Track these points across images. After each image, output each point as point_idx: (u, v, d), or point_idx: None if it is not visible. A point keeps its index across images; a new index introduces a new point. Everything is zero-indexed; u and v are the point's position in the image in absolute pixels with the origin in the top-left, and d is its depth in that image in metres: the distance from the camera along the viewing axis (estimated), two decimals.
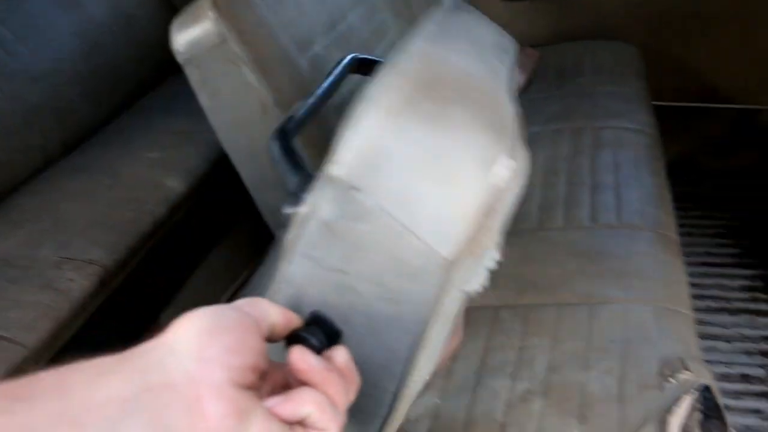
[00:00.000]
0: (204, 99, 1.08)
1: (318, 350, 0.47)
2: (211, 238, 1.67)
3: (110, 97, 1.93)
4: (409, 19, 1.61)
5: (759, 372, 1.50)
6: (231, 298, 1.67)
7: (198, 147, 1.63)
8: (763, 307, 1.68)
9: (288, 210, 0.57)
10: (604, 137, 1.43)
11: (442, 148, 0.56)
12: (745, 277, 1.78)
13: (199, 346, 0.39)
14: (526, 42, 1.94)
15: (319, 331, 0.48)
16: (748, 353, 1.55)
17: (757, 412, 1.41)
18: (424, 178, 0.55)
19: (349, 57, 0.93)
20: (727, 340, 1.59)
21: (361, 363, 0.49)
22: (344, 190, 0.55)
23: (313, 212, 0.56)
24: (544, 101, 1.64)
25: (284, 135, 0.66)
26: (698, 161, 2.21)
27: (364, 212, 0.54)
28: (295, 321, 0.47)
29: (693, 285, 1.74)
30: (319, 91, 0.74)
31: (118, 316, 1.33)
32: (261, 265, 0.98)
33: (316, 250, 0.56)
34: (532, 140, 1.38)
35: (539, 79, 1.78)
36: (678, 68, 2.06)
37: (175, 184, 1.49)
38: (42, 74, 1.71)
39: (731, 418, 1.36)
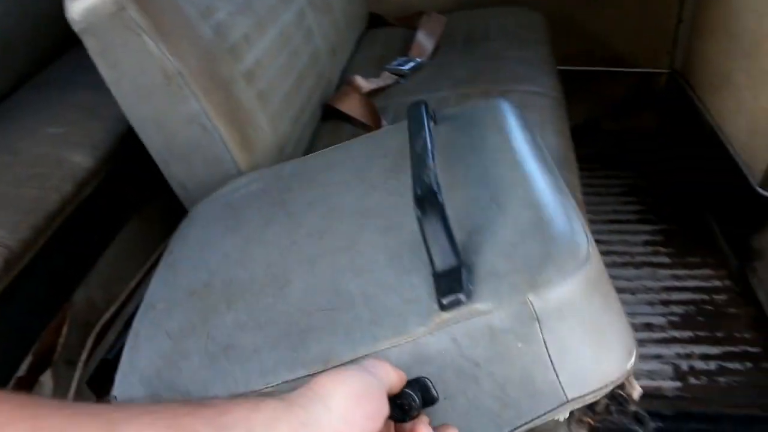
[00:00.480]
0: (104, 70, 1.05)
1: (415, 409, 0.57)
2: (123, 214, 1.62)
3: (1, 72, 1.82)
4: None
5: (660, 320, 1.61)
6: (145, 276, 1.64)
7: (103, 121, 1.57)
8: (663, 260, 1.79)
9: (445, 296, 0.64)
10: (509, 100, 1.48)
11: (609, 326, 0.67)
12: (647, 233, 1.89)
13: (347, 409, 0.47)
14: (432, 8, 1.98)
15: (419, 393, 0.57)
16: (650, 303, 1.66)
17: (658, 357, 1.52)
18: (587, 339, 0.65)
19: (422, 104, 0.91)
20: (632, 292, 1.70)
21: None
22: (529, 317, 0.62)
23: (487, 313, 0.63)
24: (451, 66, 1.68)
25: (436, 202, 0.65)
26: (601, 123, 2.31)
27: (529, 337, 0.62)
28: (404, 380, 0.56)
29: (599, 242, 1.84)
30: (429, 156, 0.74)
31: (26, 297, 1.29)
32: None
33: (466, 339, 0.63)
34: (440, 104, 1.42)
35: (446, 45, 1.82)
36: (581, 34, 2.14)
37: (81, 159, 1.44)
38: None
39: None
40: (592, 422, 0.76)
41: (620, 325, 0.69)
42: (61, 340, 1.39)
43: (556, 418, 0.67)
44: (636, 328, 1.59)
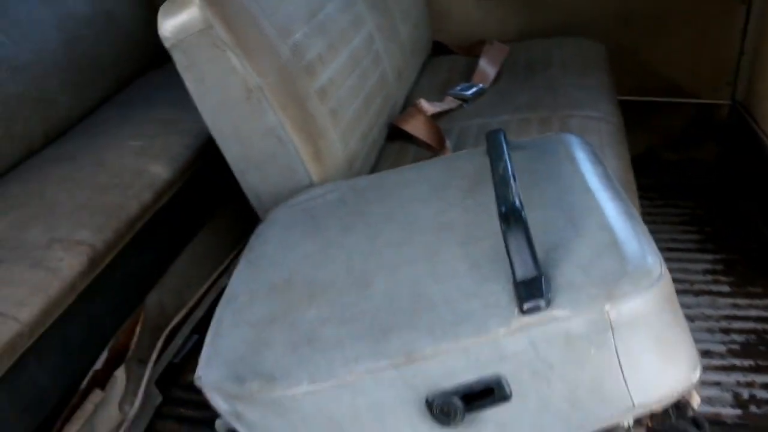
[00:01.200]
0: (190, 84, 1.13)
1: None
2: (195, 223, 1.71)
3: (90, 89, 1.95)
4: (383, 11, 1.68)
5: (720, 348, 1.58)
6: (213, 284, 1.71)
7: (181, 135, 1.67)
8: (723, 288, 1.77)
9: (526, 302, 0.69)
10: (569, 125, 1.51)
11: (676, 340, 0.71)
12: (707, 261, 1.87)
13: None
14: (496, 37, 2.03)
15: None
16: (710, 331, 1.64)
17: (717, 384, 1.50)
18: (656, 350, 0.69)
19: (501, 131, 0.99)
20: (691, 319, 1.68)
21: None
22: (604, 326, 0.67)
23: (565, 319, 0.68)
24: (512, 92, 1.72)
25: (519, 217, 0.72)
26: (661, 154, 2.31)
27: (602, 344, 0.67)
28: None
29: None
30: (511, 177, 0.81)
31: (105, 296, 1.37)
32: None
33: (543, 343, 0.68)
34: (501, 128, 1.46)
35: (508, 72, 1.86)
36: (642, 64, 2.15)
37: (160, 171, 1.54)
38: (24, 65, 1.73)
39: None
40: (650, 425, 0.77)
41: (686, 340, 0.71)
42: (135, 339, 1.46)
43: (621, 423, 0.69)
44: None
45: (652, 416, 0.76)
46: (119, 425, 1.39)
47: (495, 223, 0.83)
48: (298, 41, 1.23)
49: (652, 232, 1.94)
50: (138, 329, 1.48)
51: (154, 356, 1.55)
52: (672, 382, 0.67)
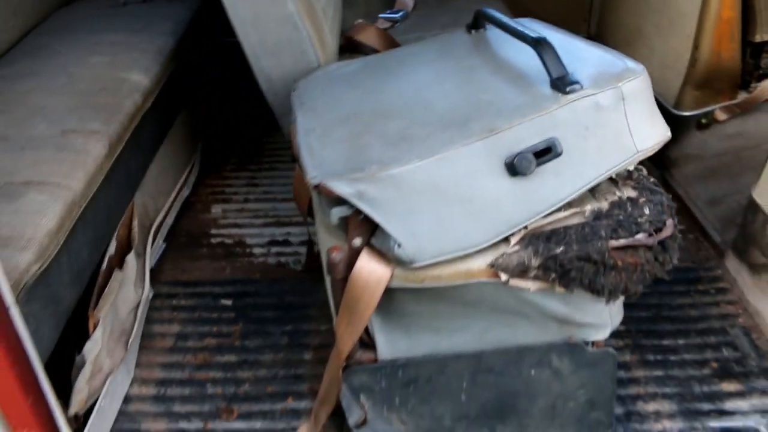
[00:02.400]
0: None
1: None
2: (165, 129, 1.83)
3: (14, 18, 1.95)
4: None
5: None
6: (177, 195, 1.83)
7: (141, 53, 1.78)
8: None
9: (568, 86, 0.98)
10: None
11: (657, 112, 1.06)
12: None
13: None
14: None
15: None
16: None
17: None
18: (647, 114, 1.05)
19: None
20: None
21: None
22: (619, 96, 1.00)
23: (595, 94, 0.99)
24: (433, 15, 2.03)
25: (546, 40, 1.01)
26: None
27: (618, 109, 0.99)
28: None
29: None
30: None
31: (113, 186, 1.47)
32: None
33: (581, 111, 0.98)
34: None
35: (422, 5, 2.17)
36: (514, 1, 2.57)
37: (140, 78, 1.65)
38: None
39: None
40: (633, 182, 1.11)
41: (660, 114, 1.06)
42: (134, 231, 1.57)
43: (628, 168, 1.03)
44: None
45: (633, 179, 1.10)
46: (136, 306, 1.51)
47: (511, 65, 1.14)
48: None
49: None
50: (135, 223, 1.59)
51: (148, 251, 1.66)
52: (657, 136, 1.03)
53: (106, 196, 1.40)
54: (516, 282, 1.00)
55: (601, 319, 1.14)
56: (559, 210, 1.02)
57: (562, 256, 0.98)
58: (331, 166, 1.01)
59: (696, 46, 1.90)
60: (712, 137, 2.06)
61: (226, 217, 2.00)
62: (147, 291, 1.57)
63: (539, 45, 1.03)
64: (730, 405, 1.42)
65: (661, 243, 1.03)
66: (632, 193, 1.06)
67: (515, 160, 0.96)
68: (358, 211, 0.99)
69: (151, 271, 1.76)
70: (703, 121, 2.04)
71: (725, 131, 2.04)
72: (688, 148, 2.09)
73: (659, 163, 2.16)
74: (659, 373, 1.49)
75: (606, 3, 2.52)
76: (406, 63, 1.28)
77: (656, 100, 2.03)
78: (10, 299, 0.90)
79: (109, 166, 1.39)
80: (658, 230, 1.02)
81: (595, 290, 1.01)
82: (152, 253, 1.74)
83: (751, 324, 1.60)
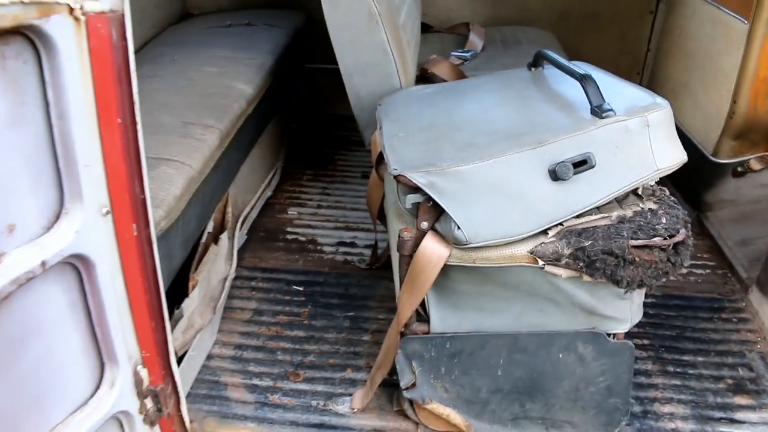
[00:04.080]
0: (327, 9, 1.58)
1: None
2: (259, 133, 2.12)
3: (139, 29, 2.30)
4: None
5: None
6: (262, 193, 2.12)
7: (247, 66, 2.08)
8: None
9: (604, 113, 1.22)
10: None
11: (677, 138, 1.32)
12: None
13: None
14: (471, 21, 2.61)
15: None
16: None
17: None
18: (669, 138, 1.31)
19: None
20: None
21: None
22: (645, 124, 1.23)
23: (625, 120, 1.23)
24: (498, 57, 2.29)
25: (591, 77, 1.27)
26: None
27: (643, 134, 1.23)
28: None
29: None
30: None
31: (218, 173, 1.75)
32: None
33: (613, 133, 1.22)
34: None
35: (489, 45, 2.43)
36: (575, 53, 2.81)
37: (244, 87, 1.94)
38: None
39: None
40: (655, 198, 1.32)
41: (678, 140, 1.28)
42: (228, 216, 1.85)
43: (650, 182, 1.25)
44: None
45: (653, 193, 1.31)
46: (225, 278, 1.78)
47: (562, 96, 1.38)
48: None
49: None
50: (229, 209, 1.87)
51: (236, 236, 1.94)
52: (675, 158, 1.24)
53: (213, 180, 1.68)
54: (550, 268, 1.22)
55: (622, 314, 1.34)
56: (590, 213, 1.24)
57: (589, 248, 1.19)
58: (409, 162, 1.26)
59: (734, 101, 2.10)
60: (746, 185, 2.24)
61: (301, 219, 2.26)
62: (234, 267, 1.83)
63: (584, 80, 1.27)
64: (740, 415, 1.58)
65: (675, 248, 1.23)
66: (653, 206, 1.27)
67: (557, 168, 1.19)
68: (427, 199, 1.23)
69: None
70: (739, 169, 2.22)
71: (760, 180, 2.22)
72: (724, 194, 2.27)
73: (696, 205, 2.34)
74: (677, 382, 1.66)
75: (658, 58, 2.74)
76: (474, 90, 1.53)
77: (695, 146, 2.28)
78: (154, 239, 1.17)
79: (219, 156, 1.67)
80: (673, 236, 1.22)
81: (615, 281, 1.21)
82: (238, 240, 2.01)
83: None
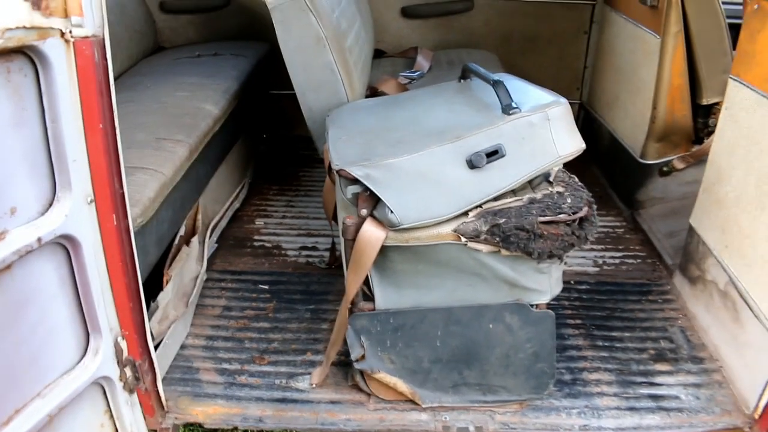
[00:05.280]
0: (280, 32, 1.80)
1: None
2: (227, 150, 2.33)
3: (114, 62, 2.50)
4: (361, 14, 2.44)
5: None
6: (230, 205, 2.32)
7: (214, 91, 2.29)
8: None
9: (511, 110, 1.54)
10: None
11: (575, 128, 2.06)
12: None
13: None
14: (422, 46, 2.86)
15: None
16: None
17: (584, 257, 2.33)
18: (568, 131, 1.69)
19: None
20: None
21: None
22: (546, 118, 1.47)
23: (529, 115, 1.45)
24: (444, 77, 2.51)
25: (501, 82, 1.44)
26: None
27: (545, 126, 1.45)
28: None
29: None
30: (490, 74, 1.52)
31: (188, 182, 1.94)
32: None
33: (519, 127, 1.44)
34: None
35: (436, 67, 2.68)
36: (518, 72, 3.05)
37: (211, 108, 2.15)
38: None
39: (571, 260, 2.27)
40: (563, 183, 1.53)
41: (578, 132, 1.50)
42: (198, 222, 2.04)
43: (552, 170, 1.46)
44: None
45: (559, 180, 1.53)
46: (196, 277, 1.96)
47: (481, 100, 1.60)
48: (337, 16, 1.96)
49: None
50: (199, 217, 2.06)
51: (206, 242, 2.13)
52: (574, 147, 1.46)
53: (184, 188, 1.87)
54: (472, 244, 1.43)
55: (542, 286, 1.54)
56: (506, 196, 1.45)
57: (504, 225, 1.40)
58: (349, 158, 1.47)
59: (654, 107, 2.35)
60: (673, 183, 2.48)
61: (267, 228, 2.46)
62: (204, 269, 2.02)
63: (496, 85, 1.49)
64: (659, 379, 1.78)
65: (580, 223, 1.45)
66: (561, 189, 1.49)
67: (472, 157, 1.40)
68: (365, 189, 1.44)
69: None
70: (665, 169, 2.46)
71: (684, 178, 2.46)
72: (653, 192, 2.51)
73: (630, 204, 2.57)
74: (604, 354, 1.86)
75: (594, 74, 3.01)
76: (409, 100, 1.76)
77: (626, 151, 2.52)
78: (131, 229, 1.36)
79: (188, 166, 1.87)
80: (576, 213, 1.44)
81: (528, 252, 1.42)
82: (207, 247, 2.19)
83: (688, 325, 1.97)
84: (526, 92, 1.58)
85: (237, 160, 2.50)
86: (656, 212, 2.51)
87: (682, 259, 2.10)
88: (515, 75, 3.00)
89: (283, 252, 2.31)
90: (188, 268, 1.92)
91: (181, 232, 1.93)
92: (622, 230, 2.51)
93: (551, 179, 1.53)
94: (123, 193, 1.32)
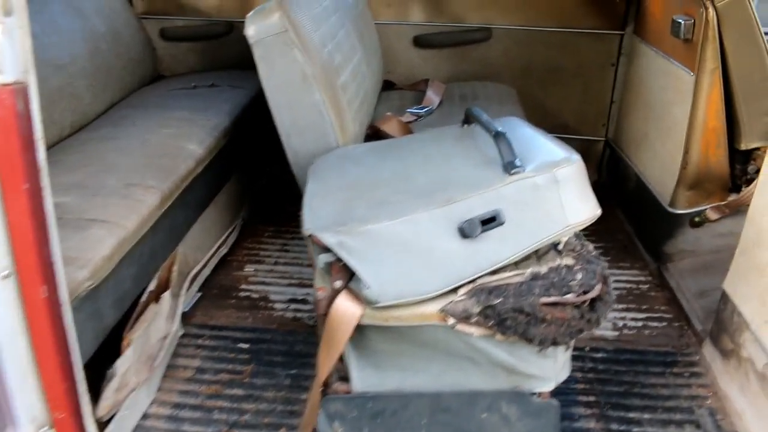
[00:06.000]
0: (262, 69, 1.62)
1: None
2: (212, 194, 2.15)
3: (106, 92, 2.36)
4: (363, 46, 2.26)
5: None
6: (217, 250, 2.13)
7: (201, 128, 2.12)
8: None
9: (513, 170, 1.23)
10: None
11: (588, 192, 1.30)
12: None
13: None
14: (434, 78, 2.66)
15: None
16: None
17: None
18: (579, 195, 1.27)
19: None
20: None
21: None
22: (554, 180, 1.23)
23: (534, 176, 1.23)
24: (453, 113, 2.32)
25: (503, 134, 1.30)
26: None
27: (553, 189, 1.22)
28: None
29: None
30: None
31: (159, 234, 1.76)
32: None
33: (522, 189, 1.23)
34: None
35: (447, 101, 2.47)
36: (539, 106, 2.85)
37: (195, 148, 1.98)
38: (62, 65, 2.13)
39: None
40: (574, 253, 1.30)
41: (592, 195, 1.28)
42: (173, 274, 1.86)
43: (560, 239, 1.24)
44: None
45: (571, 249, 1.30)
46: (164, 337, 1.77)
47: (482, 152, 1.39)
48: (329, 51, 1.77)
49: None
50: (175, 268, 1.88)
51: (183, 294, 1.94)
52: (586, 213, 1.24)
53: (153, 240, 1.69)
54: (462, 326, 1.21)
55: (545, 372, 1.32)
56: (504, 269, 1.24)
57: (499, 306, 1.19)
58: (322, 221, 1.27)
59: (686, 151, 2.11)
60: (705, 235, 2.22)
61: (256, 276, 2.27)
62: (176, 327, 1.83)
63: (497, 137, 1.28)
64: None
65: (592, 303, 1.22)
66: (570, 262, 1.27)
67: (464, 225, 1.19)
68: (339, 258, 1.23)
69: (184, 314, 2.03)
70: (696, 219, 2.21)
71: (718, 230, 2.20)
72: (683, 245, 2.25)
73: (657, 256, 2.32)
74: None
75: (622, 110, 2.77)
76: (403, 148, 1.55)
77: (654, 197, 2.27)
78: (65, 301, 1.17)
79: (158, 216, 1.69)
80: (587, 292, 1.21)
81: (528, 339, 1.20)
82: (187, 298, 2.01)
83: (718, 406, 1.71)
84: (534, 145, 1.36)
85: (228, 201, 2.32)
86: (686, 267, 2.25)
87: (714, 327, 1.85)
88: (536, 110, 2.84)
89: (269, 305, 2.11)
90: (156, 327, 1.73)
91: (152, 286, 1.74)
92: (646, 286, 2.26)
93: (560, 248, 1.31)
94: (53, 262, 1.14)
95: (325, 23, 1.82)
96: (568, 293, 1.21)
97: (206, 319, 2.04)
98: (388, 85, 2.78)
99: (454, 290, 1.22)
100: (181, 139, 2.01)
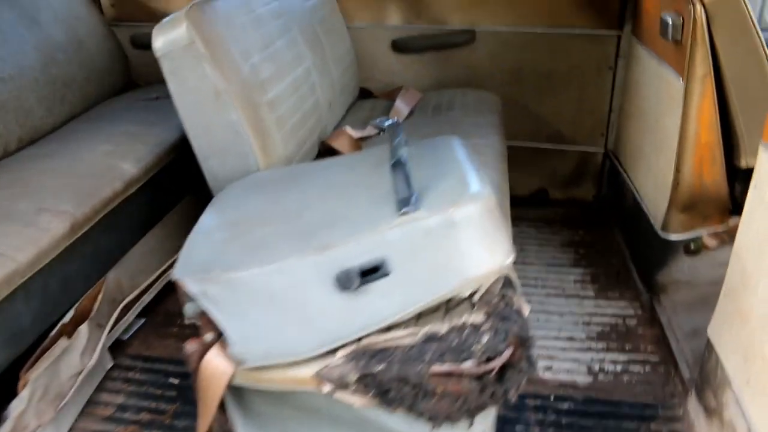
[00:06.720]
0: (172, 85, 1.47)
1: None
2: (154, 216, 2.00)
3: (61, 105, 2.25)
4: (320, 54, 2.08)
5: (581, 335, 1.96)
6: (163, 273, 1.98)
7: (144, 144, 1.98)
8: (589, 293, 2.17)
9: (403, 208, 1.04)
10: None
11: (495, 237, 1.07)
12: (579, 273, 2.28)
13: None
14: (412, 86, 2.46)
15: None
16: (575, 323, 2.02)
17: (575, 360, 1.86)
18: (483, 241, 1.06)
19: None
20: (561, 315, 2.07)
21: None
22: (450, 223, 1.03)
23: (426, 218, 1.02)
24: (420, 125, 2.12)
25: (402, 163, 1.13)
26: (549, 192, 2.76)
27: (448, 234, 1.03)
28: None
29: (538, 279, 2.25)
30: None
31: (77, 262, 1.63)
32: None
33: (412, 234, 1.03)
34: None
35: (419, 112, 2.28)
36: (532, 116, 2.62)
37: (128, 167, 1.84)
38: (8, 77, 2.02)
39: (558, 365, 1.80)
40: (488, 308, 1.10)
41: (503, 238, 1.06)
42: (96, 305, 1.72)
43: (461, 294, 1.04)
44: (561, 339, 1.95)
45: (488, 303, 1.10)
46: (78, 373, 1.64)
47: (386, 185, 1.20)
48: (255, 63, 1.60)
49: (538, 252, 2.34)
50: (100, 297, 1.75)
51: (109, 324, 1.81)
52: (492, 263, 1.03)
53: (62, 270, 1.56)
54: (341, 395, 1.03)
55: None
56: (398, 327, 1.04)
57: (381, 374, 1.00)
58: (192, 265, 1.10)
59: (678, 169, 1.86)
60: (704, 264, 1.96)
61: None
62: (94, 361, 1.69)
63: (394, 167, 1.09)
64: None
65: (500, 373, 1.02)
66: (479, 319, 1.06)
67: (340, 276, 1.01)
68: None
69: (121, 343, 1.91)
70: (692, 247, 1.95)
71: (718, 259, 1.93)
72: (678, 275, 2.00)
73: (650, 286, 2.07)
74: None
75: (621, 119, 2.51)
76: (316, 175, 1.37)
77: (648, 220, 2.02)
78: None
79: (67, 244, 1.55)
80: (491, 359, 1.01)
81: (417, 413, 1.01)
82: (122, 327, 1.87)
83: None
84: (451, 175, 1.16)
85: (180, 222, 2.17)
86: (680, 300, 1.99)
87: (698, 378, 1.60)
88: (527, 119, 2.60)
89: None
90: (68, 363, 1.60)
91: (66, 318, 1.61)
92: (633, 322, 2.01)
93: (474, 300, 1.10)
94: None
95: (254, 32, 1.65)
96: (467, 359, 1.00)
97: (142, 349, 1.90)
98: (365, 94, 2.60)
99: (334, 351, 1.03)
100: (115, 158, 1.88)
